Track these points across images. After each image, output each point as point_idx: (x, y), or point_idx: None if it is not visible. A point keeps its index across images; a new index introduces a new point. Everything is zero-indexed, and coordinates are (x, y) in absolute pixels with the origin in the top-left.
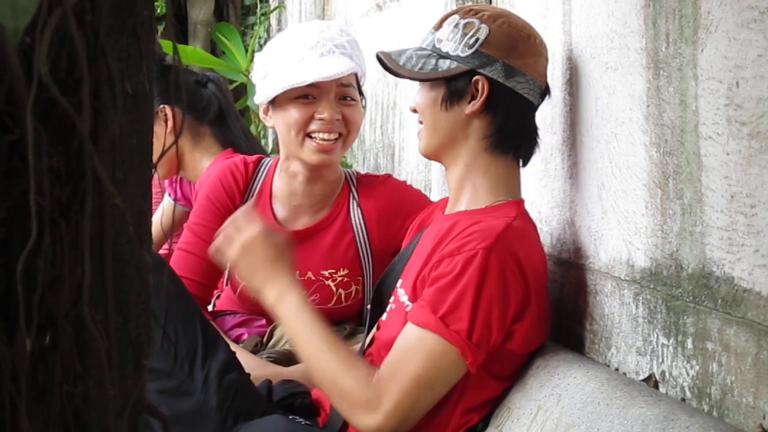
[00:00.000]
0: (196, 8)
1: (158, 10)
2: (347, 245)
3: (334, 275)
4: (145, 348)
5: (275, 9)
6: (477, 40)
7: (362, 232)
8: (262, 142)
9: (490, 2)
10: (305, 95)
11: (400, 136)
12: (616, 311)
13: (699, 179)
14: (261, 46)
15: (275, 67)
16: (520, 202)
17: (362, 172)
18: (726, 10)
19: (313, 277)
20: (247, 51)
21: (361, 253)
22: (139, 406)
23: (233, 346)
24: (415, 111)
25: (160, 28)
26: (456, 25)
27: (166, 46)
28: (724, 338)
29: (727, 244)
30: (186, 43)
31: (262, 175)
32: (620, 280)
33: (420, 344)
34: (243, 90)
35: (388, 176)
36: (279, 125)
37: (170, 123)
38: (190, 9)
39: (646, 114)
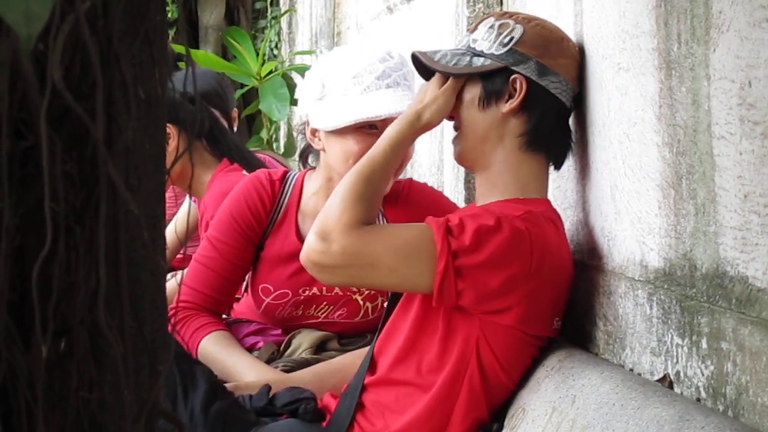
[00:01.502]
0: (206, 12)
1: (169, 15)
2: None
3: (361, 289)
4: (161, 353)
5: (286, 12)
6: (512, 39)
7: None
8: (274, 146)
9: (501, 3)
10: (369, 126)
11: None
12: (630, 312)
13: (712, 179)
14: (272, 50)
15: (337, 92)
16: (548, 201)
17: None
18: (738, 9)
19: (340, 293)
20: (258, 55)
21: None
22: (155, 412)
23: (243, 356)
24: (452, 118)
25: (171, 33)
26: (491, 27)
27: (178, 50)
28: (738, 338)
29: (741, 244)
30: (197, 47)
31: (288, 191)
32: (634, 281)
33: (415, 227)
34: (254, 94)
35: (410, 181)
36: (334, 151)
37: (173, 142)
38: (200, 13)
39: (658, 114)
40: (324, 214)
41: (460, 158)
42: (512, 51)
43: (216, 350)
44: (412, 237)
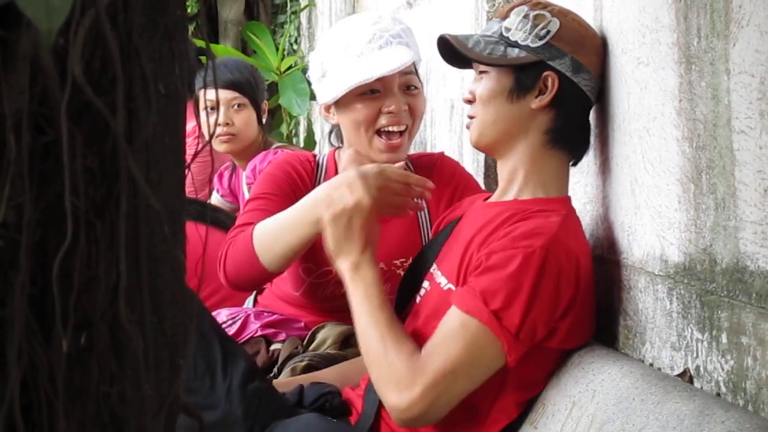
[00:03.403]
0: (226, 7)
1: (189, 10)
2: (414, 233)
3: (404, 264)
4: (181, 348)
5: (305, 7)
6: (548, 32)
7: (426, 218)
8: (294, 141)
9: None
10: (371, 90)
11: (431, 133)
12: (650, 306)
13: (732, 173)
14: (291, 45)
15: (334, 65)
16: (568, 199)
17: (412, 153)
18: (757, 3)
19: (385, 267)
20: (277, 50)
21: (423, 240)
22: (176, 406)
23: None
24: (470, 102)
25: (191, 28)
26: (525, 16)
27: (199, 44)
28: (758, 332)
29: (761, 238)
30: (217, 42)
31: (323, 168)
32: (654, 276)
33: (465, 331)
34: (274, 89)
35: (442, 155)
36: (345, 123)
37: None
38: (220, 8)
39: (678, 109)
40: (378, 372)
41: (479, 145)
42: (548, 45)
43: (270, 220)
44: (472, 345)
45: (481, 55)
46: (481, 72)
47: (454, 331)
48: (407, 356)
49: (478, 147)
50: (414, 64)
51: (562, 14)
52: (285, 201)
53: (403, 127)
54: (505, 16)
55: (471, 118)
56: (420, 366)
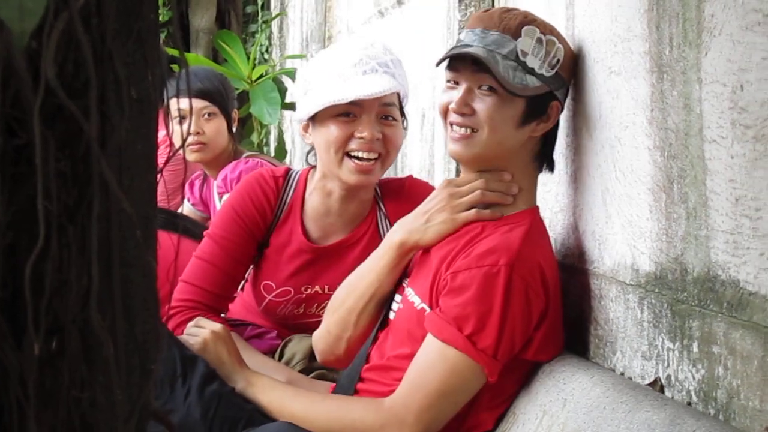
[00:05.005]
0: (197, 16)
1: (161, 18)
2: None
3: None
4: (152, 353)
5: (276, 16)
6: (558, 60)
7: None
8: (264, 150)
9: (493, 4)
10: (346, 113)
11: (403, 142)
12: (621, 316)
13: (704, 183)
14: (262, 54)
15: (317, 83)
16: (535, 210)
17: (382, 178)
18: (730, 13)
19: None
20: (248, 59)
21: None
22: (146, 412)
23: (255, 356)
24: (463, 114)
25: (163, 36)
26: (539, 41)
27: (172, 53)
28: (729, 342)
29: (732, 248)
30: (188, 50)
31: (291, 187)
32: (625, 285)
33: (443, 360)
34: (245, 98)
35: (411, 178)
36: (318, 142)
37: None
38: (191, 16)
39: (650, 118)
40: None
41: (472, 161)
42: (557, 75)
43: None
44: (453, 374)
45: (515, 86)
46: (482, 86)
47: (433, 361)
48: (374, 404)
49: (468, 161)
50: (399, 98)
51: (562, 38)
52: (237, 246)
53: (374, 155)
54: (517, 35)
55: (471, 129)
56: (405, 401)
